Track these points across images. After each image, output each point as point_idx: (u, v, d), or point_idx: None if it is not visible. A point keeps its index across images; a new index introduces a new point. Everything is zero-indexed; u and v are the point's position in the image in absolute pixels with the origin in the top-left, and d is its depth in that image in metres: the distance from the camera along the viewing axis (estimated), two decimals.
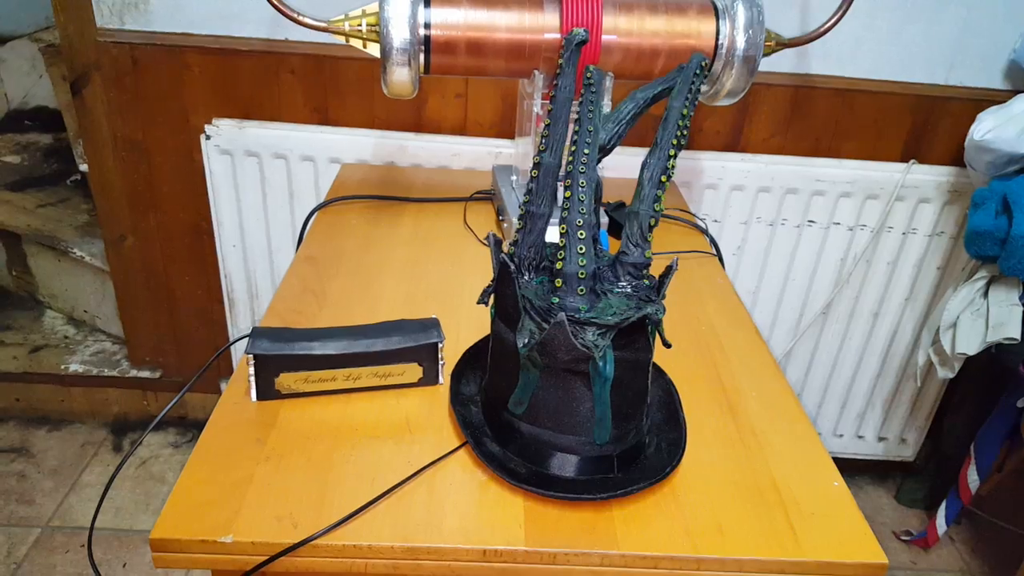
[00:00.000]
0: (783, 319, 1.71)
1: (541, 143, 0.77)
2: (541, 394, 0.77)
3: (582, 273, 0.73)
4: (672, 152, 0.75)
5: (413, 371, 0.89)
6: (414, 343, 0.87)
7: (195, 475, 0.76)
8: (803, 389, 1.80)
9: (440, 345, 0.88)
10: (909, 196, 1.56)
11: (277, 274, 1.68)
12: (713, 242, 1.32)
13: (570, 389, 0.75)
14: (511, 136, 1.61)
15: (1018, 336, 1.28)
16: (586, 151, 0.74)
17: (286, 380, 0.86)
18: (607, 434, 0.77)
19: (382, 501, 0.75)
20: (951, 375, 1.44)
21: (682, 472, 0.80)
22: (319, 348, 0.85)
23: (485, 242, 1.23)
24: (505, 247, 0.81)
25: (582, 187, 0.73)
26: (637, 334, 0.75)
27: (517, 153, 1.32)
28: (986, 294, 1.35)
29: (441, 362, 0.89)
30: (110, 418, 1.88)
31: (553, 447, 0.78)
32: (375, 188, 1.40)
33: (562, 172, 0.76)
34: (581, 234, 0.72)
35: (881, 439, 1.87)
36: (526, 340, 0.75)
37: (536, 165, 0.77)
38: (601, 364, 0.74)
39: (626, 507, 0.76)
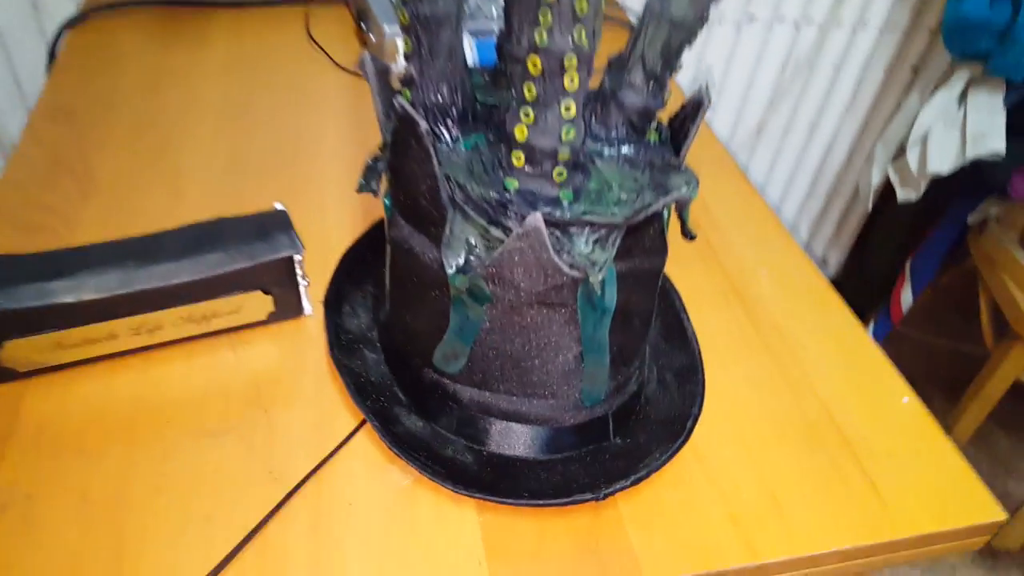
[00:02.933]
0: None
1: None
2: (489, 341, 0.44)
3: (564, 152, 0.39)
4: None
5: (257, 304, 0.53)
6: (250, 260, 0.51)
7: None
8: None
9: (298, 259, 0.53)
10: None
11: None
12: None
13: (540, 332, 0.44)
14: None
15: (1003, 148, 1.06)
16: None
17: (19, 350, 0.48)
18: (602, 391, 0.47)
19: (234, 560, 0.42)
20: (914, 197, 1.23)
21: (701, 417, 0.52)
22: (71, 290, 0.47)
23: (355, 70, 0.83)
24: (395, 82, 0.45)
25: None
26: (645, 228, 0.43)
27: None
28: (962, 101, 1.11)
29: (303, 282, 0.54)
30: None
31: (513, 417, 0.47)
32: None
33: None
34: (569, 60, 0.37)
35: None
36: (460, 260, 0.41)
37: None
38: (598, 291, 0.42)
39: (636, 496, 0.47)
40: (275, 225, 0.52)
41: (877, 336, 1.58)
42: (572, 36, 0.36)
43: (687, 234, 0.46)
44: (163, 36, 0.86)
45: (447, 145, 0.43)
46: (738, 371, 0.56)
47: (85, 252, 0.49)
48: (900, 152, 1.25)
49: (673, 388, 0.53)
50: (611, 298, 0.43)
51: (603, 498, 0.45)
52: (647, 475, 0.47)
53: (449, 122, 0.43)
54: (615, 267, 0.42)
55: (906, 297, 1.51)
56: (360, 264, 0.59)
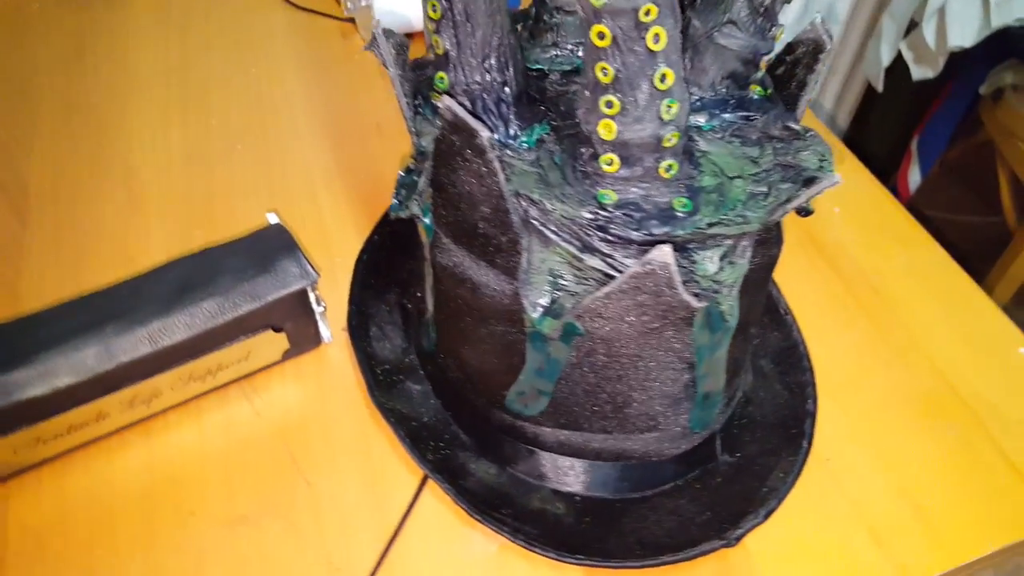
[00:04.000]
0: None
1: None
2: (577, 377, 0.35)
3: (670, 136, 0.29)
4: None
5: (268, 345, 0.43)
6: (256, 301, 0.41)
7: None
8: None
9: (312, 287, 0.43)
10: None
11: None
12: None
13: (643, 363, 0.35)
14: None
15: None
16: None
17: None
18: (714, 414, 0.39)
19: None
20: (932, 75, 1.13)
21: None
22: (40, 380, 0.37)
23: (309, 8, 0.69)
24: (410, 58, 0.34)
25: None
26: None
27: None
28: None
29: (319, 308, 0.44)
30: None
31: (608, 456, 0.39)
32: None
33: None
34: (647, 11, 0.26)
35: None
36: (546, 300, 0.32)
37: None
38: (722, 311, 0.33)
39: (763, 528, 0.40)
40: (277, 249, 0.42)
41: None
42: None
43: (803, 210, 0.37)
44: None
45: (506, 144, 0.32)
46: (837, 342, 0.48)
47: (49, 321, 0.39)
48: (912, 25, 1.14)
49: (774, 378, 0.45)
50: (734, 315, 0.34)
51: (735, 543, 0.38)
52: (778, 504, 0.39)
53: (504, 108, 0.32)
54: None
55: (914, 176, 1.44)
56: (377, 271, 0.49)
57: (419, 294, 0.43)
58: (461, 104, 0.32)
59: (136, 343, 0.38)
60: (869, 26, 1.35)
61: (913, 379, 0.47)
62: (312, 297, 0.43)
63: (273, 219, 0.44)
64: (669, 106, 0.28)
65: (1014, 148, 1.19)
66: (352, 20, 0.67)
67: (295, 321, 0.43)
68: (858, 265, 0.53)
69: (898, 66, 1.29)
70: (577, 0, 0.26)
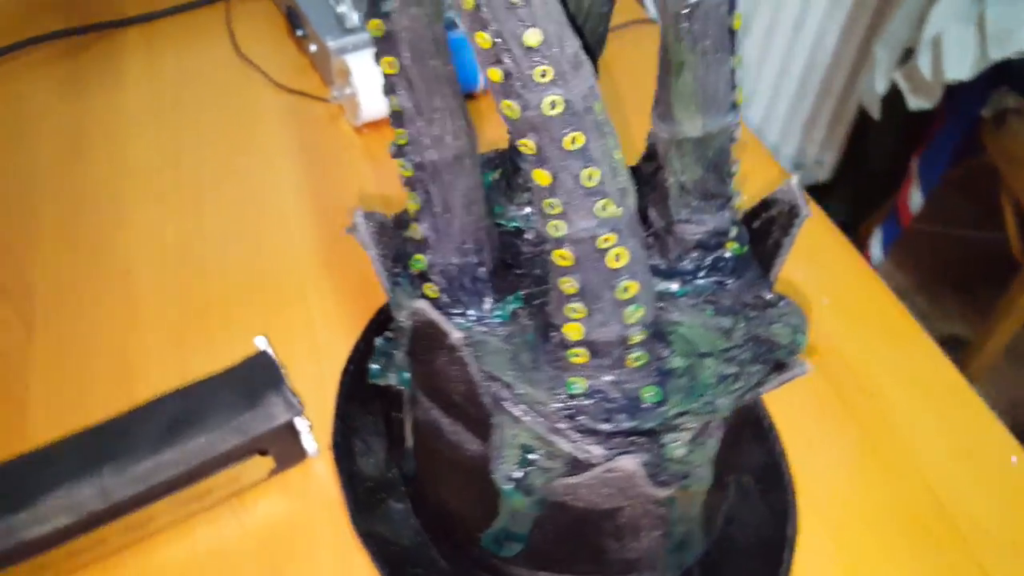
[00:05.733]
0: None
1: None
2: (552, 522, 0.36)
3: (636, 335, 0.29)
4: None
5: (256, 466, 0.44)
6: (243, 436, 0.42)
7: None
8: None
9: (298, 419, 0.43)
10: None
11: None
12: None
13: (616, 520, 0.35)
14: None
15: None
16: None
17: None
18: (691, 556, 0.40)
19: None
20: (929, 105, 1.12)
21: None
22: (41, 521, 0.38)
23: (297, 90, 0.70)
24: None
25: None
26: None
27: None
28: None
29: (305, 428, 0.45)
30: None
31: None
32: (52, 15, 0.77)
33: None
34: (605, 240, 0.27)
35: (797, 166, 1.61)
36: (518, 473, 0.32)
37: None
38: (690, 482, 0.34)
39: None
40: (263, 380, 0.43)
41: (885, 243, 1.51)
42: (594, 211, 0.26)
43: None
44: (74, 76, 0.71)
45: (479, 321, 0.33)
46: (825, 454, 0.49)
47: (47, 461, 0.40)
48: (906, 55, 1.13)
49: (756, 496, 0.46)
50: (707, 480, 0.35)
51: None
52: None
53: (479, 286, 0.33)
54: None
55: (915, 198, 1.43)
56: (363, 380, 0.49)
57: (401, 418, 0.44)
58: (437, 282, 0.33)
59: (130, 483, 0.39)
60: (862, 50, 1.34)
61: (902, 496, 0.47)
62: (298, 424, 0.44)
63: (262, 344, 0.45)
64: (634, 311, 0.29)
65: (1019, 175, 1.18)
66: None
67: (281, 444, 0.44)
68: (848, 364, 0.53)
69: (894, 89, 1.28)
70: (537, 225, 0.27)
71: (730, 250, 0.35)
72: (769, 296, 0.34)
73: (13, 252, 0.58)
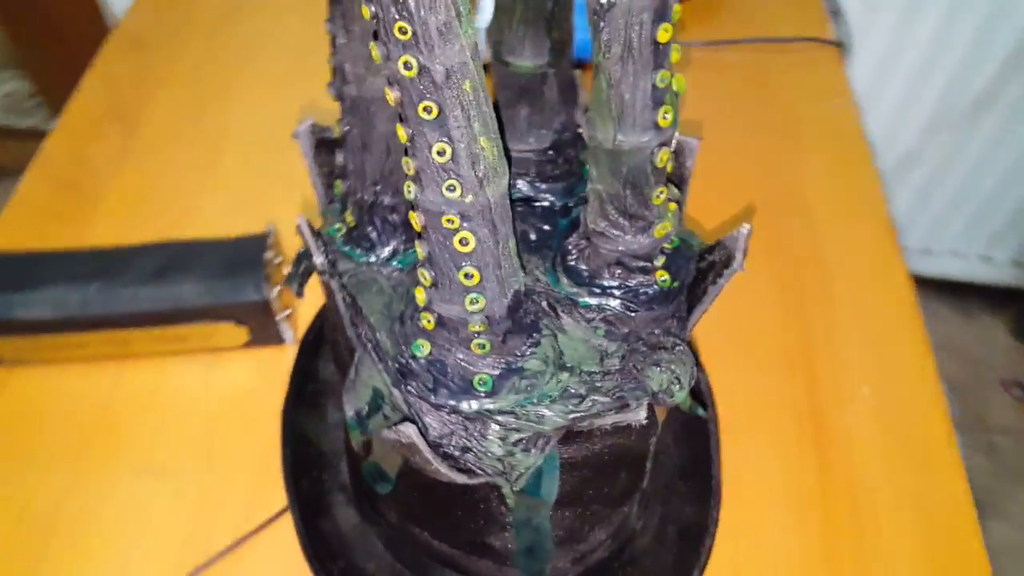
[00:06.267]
0: (915, 114, 1.17)
1: None
2: (411, 477, 0.37)
3: (476, 323, 0.29)
4: None
5: (230, 332, 0.49)
6: (214, 299, 0.46)
7: None
8: (927, 198, 1.31)
9: (273, 296, 0.47)
10: None
11: None
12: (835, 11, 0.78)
13: (459, 503, 0.35)
14: None
15: None
16: None
17: None
18: (546, 565, 0.39)
19: None
20: None
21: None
22: (27, 307, 0.45)
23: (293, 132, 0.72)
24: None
25: None
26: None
27: None
28: None
29: (283, 314, 0.48)
30: None
31: (445, 563, 0.40)
32: None
33: None
34: (449, 221, 0.26)
35: (1017, 263, 1.41)
36: (364, 408, 0.33)
37: None
38: (525, 488, 0.33)
39: None
40: (246, 261, 0.46)
41: None
42: (442, 189, 0.26)
43: (697, 412, 0.35)
44: None
45: (377, 262, 0.34)
46: (769, 541, 0.45)
47: (56, 262, 0.47)
48: None
49: (673, 548, 0.43)
50: (550, 490, 0.34)
51: None
52: None
53: (387, 229, 0.34)
54: (559, 453, 0.33)
55: None
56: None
57: None
58: (352, 212, 0.34)
59: (110, 301, 0.45)
60: None
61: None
62: (274, 306, 0.47)
63: (270, 229, 0.48)
64: (474, 300, 0.28)
65: None
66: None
67: (255, 321, 0.48)
68: (848, 457, 0.48)
69: None
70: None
71: (658, 280, 0.33)
72: (667, 339, 0.32)
73: (141, 88, 0.66)
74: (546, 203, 0.37)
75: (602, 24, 0.26)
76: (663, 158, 0.29)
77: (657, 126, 0.28)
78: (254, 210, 0.57)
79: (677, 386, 0.31)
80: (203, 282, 0.45)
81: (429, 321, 0.30)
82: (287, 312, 0.49)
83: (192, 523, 0.44)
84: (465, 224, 0.26)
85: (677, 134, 0.35)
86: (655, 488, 0.45)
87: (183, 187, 0.59)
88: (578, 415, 0.30)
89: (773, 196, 0.62)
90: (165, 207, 0.58)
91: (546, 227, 0.36)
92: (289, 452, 0.45)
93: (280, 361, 0.50)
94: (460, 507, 0.36)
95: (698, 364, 0.50)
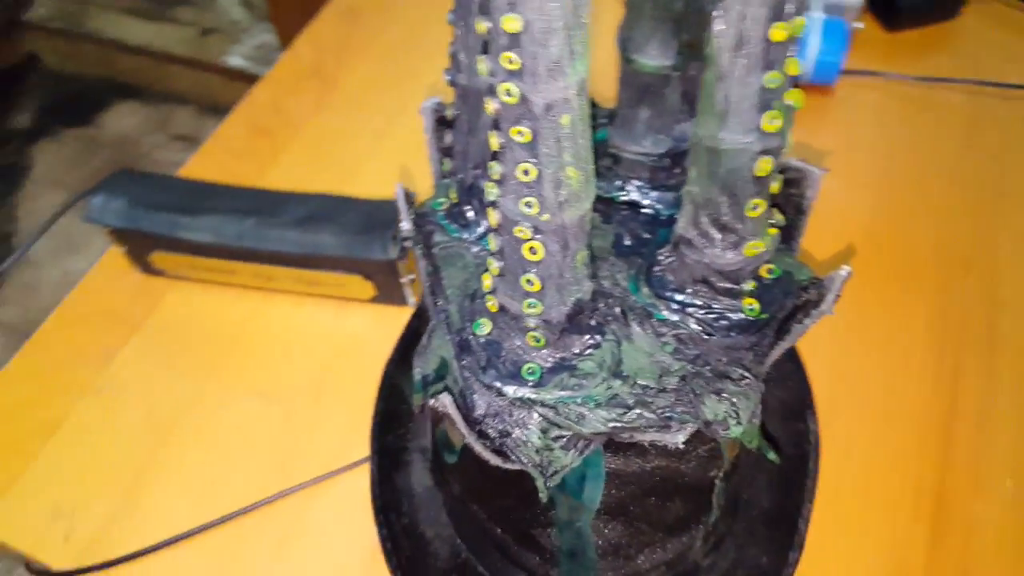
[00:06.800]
0: None
1: None
2: (467, 462, 0.38)
3: (530, 322, 0.29)
4: None
5: (359, 285, 0.52)
6: (346, 252, 0.49)
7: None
8: None
9: (398, 263, 0.49)
10: None
11: None
12: None
13: (517, 492, 0.36)
14: None
15: None
16: None
17: (163, 260, 0.54)
18: (590, 574, 0.38)
19: (197, 535, 0.45)
20: None
21: None
22: (191, 230, 0.50)
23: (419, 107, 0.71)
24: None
25: None
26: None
27: None
28: None
29: (407, 278, 0.51)
30: None
31: (497, 547, 0.41)
32: None
33: None
34: (521, 231, 0.27)
35: None
36: (430, 373, 0.34)
37: None
38: (568, 489, 0.33)
39: None
40: (381, 222, 0.49)
41: None
42: (519, 204, 0.26)
43: (768, 457, 0.33)
44: None
45: (470, 239, 0.35)
46: None
47: (224, 196, 0.52)
48: None
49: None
50: (593, 497, 0.33)
51: None
52: None
53: (485, 210, 0.34)
54: (605, 462, 0.32)
55: None
56: None
57: None
58: (456, 188, 0.35)
59: (260, 239, 0.50)
60: None
61: None
62: (400, 268, 0.50)
63: (400, 191, 0.51)
64: (532, 304, 0.28)
65: None
66: None
67: (383, 279, 0.51)
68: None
69: None
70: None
71: (744, 307, 0.31)
72: (736, 370, 0.30)
73: (347, 50, 0.71)
74: (652, 211, 0.36)
75: (717, 13, 0.25)
76: (764, 167, 0.27)
77: (761, 130, 0.26)
78: (414, 179, 0.61)
79: (734, 420, 0.29)
80: (340, 235, 0.49)
81: (493, 304, 0.30)
82: (411, 276, 0.51)
83: (288, 451, 0.48)
84: (537, 236, 0.27)
85: (801, 162, 0.33)
86: (734, 529, 0.43)
87: (359, 148, 0.64)
88: (619, 425, 0.29)
89: (955, 251, 0.56)
90: (337, 164, 0.63)
91: (645, 235, 0.35)
92: (382, 405, 0.47)
93: (399, 320, 0.53)
94: (512, 493, 0.36)
95: (810, 407, 0.46)
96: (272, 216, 0.50)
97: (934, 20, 0.73)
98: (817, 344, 0.50)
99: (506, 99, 0.24)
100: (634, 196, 0.36)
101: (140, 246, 0.53)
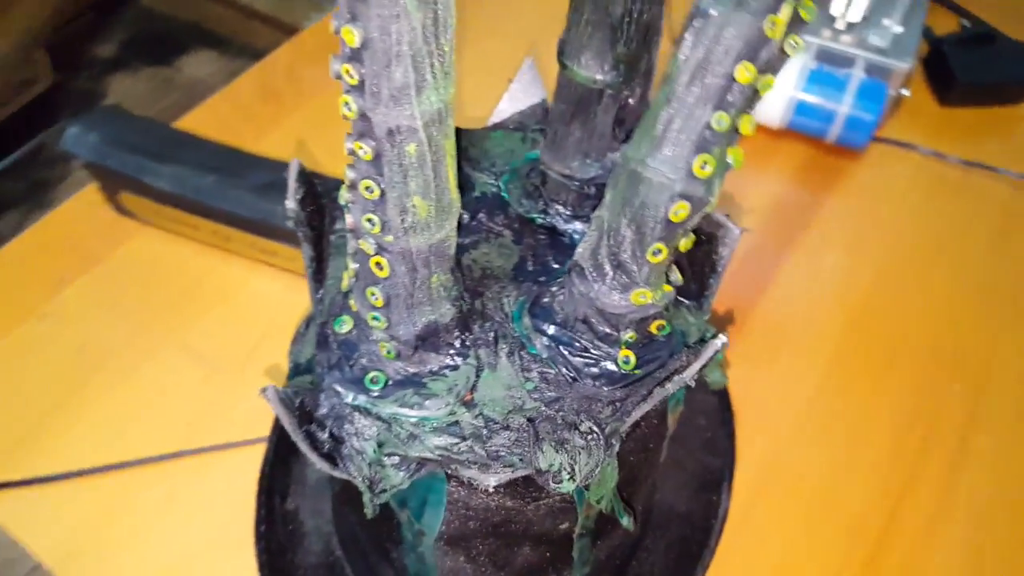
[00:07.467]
0: None
1: None
2: None
3: (383, 344, 0.28)
4: None
5: None
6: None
7: None
8: None
9: None
10: None
11: None
12: None
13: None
14: None
15: None
16: None
17: (131, 203, 0.54)
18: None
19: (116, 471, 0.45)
20: None
21: None
22: (154, 174, 0.50)
23: None
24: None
25: None
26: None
27: None
28: None
29: None
30: None
31: (364, 555, 0.40)
32: None
33: None
34: (364, 243, 0.25)
35: None
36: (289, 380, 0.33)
37: None
38: (410, 509, 0.31)
39: None
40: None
41: None
42: (362, 220, 0.25)
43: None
44: None
45: None
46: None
47: (195, 148, 0.52)
48: None
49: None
50: (432, 524, 0.31)
51: None
52: None
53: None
54: (451, 490, 0.30)
55: None
56: None
57: None
58: None
59: (218, 198, 0.50)
60: None
61: None
62: None
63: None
64: (376, 318, 0.27)
65: None
66: None
67: None
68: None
69: None
70: None
71: (620, 359, 0.29)
72: (586, 423, 0.27)
73: None
74: (567, 240, 0.34)
75: (686, 33, 0.23)
76: (680, 213, 0.25)
77: (690, 171, 0.24)
78: None
79: (568, 474, 0.27)
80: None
81: (354, 304, 0.29)
82: None
83: (199, 413, 0.47)
84: (383, 254, 0.25)
85: (723, 216, 0.30)
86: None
87: None
88: (446, 454, 0.27)
89: (944, 355, 0.51)
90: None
91: (554, 264, 0.33)
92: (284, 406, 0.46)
93: None
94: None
95: (728, 480, 0.43)
96: (234, 176, 0.50)
97: (993, 102, 0.68)
98: (761, 417, 0.47)
99: (345, 111, 0.23)
100: (554, 221, 0.34)
101: (111, 184, 0.53)
